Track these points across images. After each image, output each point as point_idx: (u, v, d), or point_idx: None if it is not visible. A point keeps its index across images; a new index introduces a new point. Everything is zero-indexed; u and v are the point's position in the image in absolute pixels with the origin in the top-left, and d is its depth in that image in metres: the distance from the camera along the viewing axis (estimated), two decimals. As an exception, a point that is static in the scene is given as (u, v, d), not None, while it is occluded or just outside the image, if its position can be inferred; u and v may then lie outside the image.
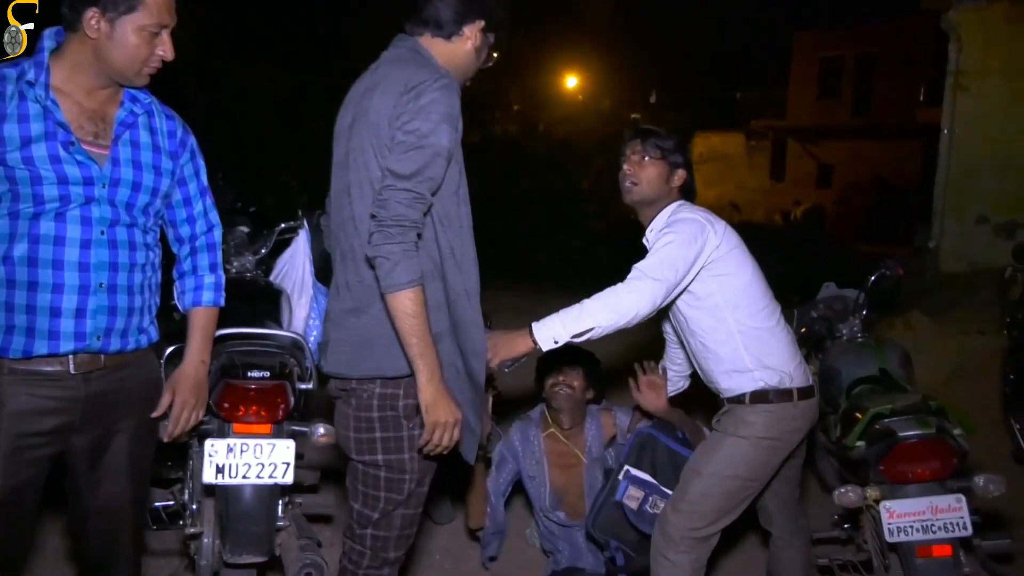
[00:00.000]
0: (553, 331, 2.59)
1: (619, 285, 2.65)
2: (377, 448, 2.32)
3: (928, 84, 18.78)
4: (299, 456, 2.82)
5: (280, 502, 2.88)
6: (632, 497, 3.10)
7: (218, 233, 2.51)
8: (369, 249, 2.15)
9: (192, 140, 2.41)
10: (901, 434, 2.78)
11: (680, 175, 2.91)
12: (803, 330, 3.78)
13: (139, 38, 2.11)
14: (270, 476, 2.72)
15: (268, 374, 2.86)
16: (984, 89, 8.61)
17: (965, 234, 8.67)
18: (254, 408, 2.78)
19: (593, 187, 13.94)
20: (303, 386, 3.03)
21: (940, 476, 2.77)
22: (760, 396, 2.75)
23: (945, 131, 8.93)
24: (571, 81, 21.25)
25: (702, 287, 2.76)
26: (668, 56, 24.87)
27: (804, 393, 2.79)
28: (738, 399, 2.79)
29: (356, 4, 13.84)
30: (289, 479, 2.75)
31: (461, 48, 2.37)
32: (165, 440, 2.46)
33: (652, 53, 23.53)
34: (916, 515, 2.71)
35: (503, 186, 12.84)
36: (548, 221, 12.90)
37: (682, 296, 2.78)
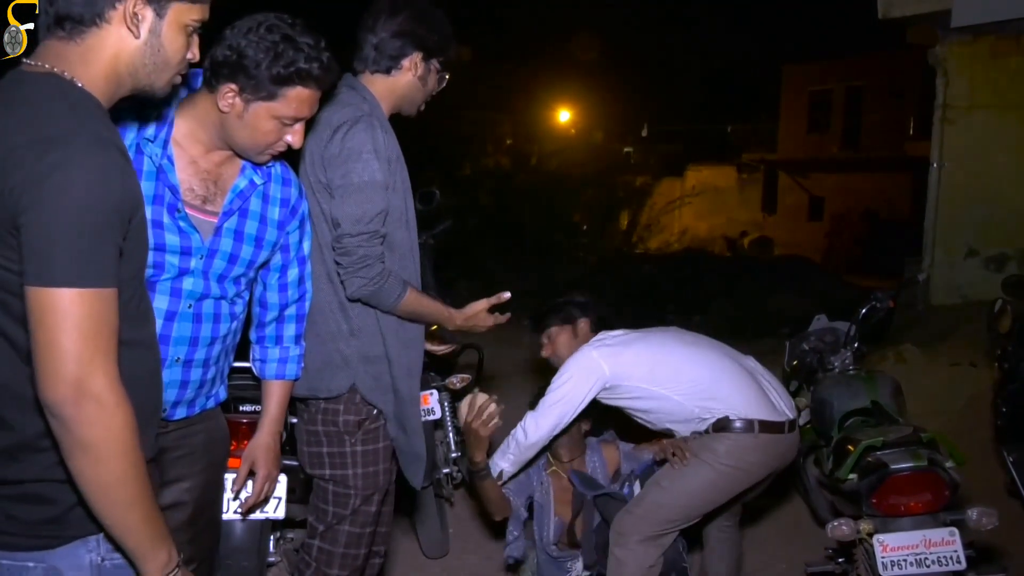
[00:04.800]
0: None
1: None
2: (325, 463, 2.48)
3: (917, 117, 18.94)
4: (291, 491, 2.81)
5: (271, 537, 2.87)
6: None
7: (308, 304, 2.40)
8: (352, 294, 2.36)
9: (304, 206, 2.29)
10: (893, 466, 2.78)
11: (581, 325, 3.32)
12: (795, 362, 3.79)
13: (270, 125, 2.01)
14: (261, 511, 2.71)
15: (259, 408, 2.84)
16: (972, 123, 8.68)
17: (955, 266, 8.71)
18: (245, 443, 2.77)
19: (584, 219, 13.99)
20: (294, 420, 3.01)
21: (932, 509, 2.77)
22: (721, 425, 2.99)
23: (934, 164, 8.99)
24: (564, 115, 21.42)
25: (618, 396, 3.15)
26: (660, 90, 25.10)
27: (767, 426, 2.98)
28: (704, 432, 3.03)
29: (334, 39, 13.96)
30: (280, 514, 2.74)
31: (402, 80, 2.49)
32: (241, 513, 2.53)
33: (644, 87, 23.75)
34: (909, 548, 2.70)
35: (494, 219, 12.87)
36: (539, 253, 12.94)
37: (613, 402, 3.18)
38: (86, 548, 1.47)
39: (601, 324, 3.35)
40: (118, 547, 1.44)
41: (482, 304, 2.56)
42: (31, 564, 1.45)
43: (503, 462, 3.18)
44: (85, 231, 1.32)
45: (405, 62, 2.46)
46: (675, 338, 3.30)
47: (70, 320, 1.31)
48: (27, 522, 1.44)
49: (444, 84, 2.59)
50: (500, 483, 3.20)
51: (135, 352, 1.43)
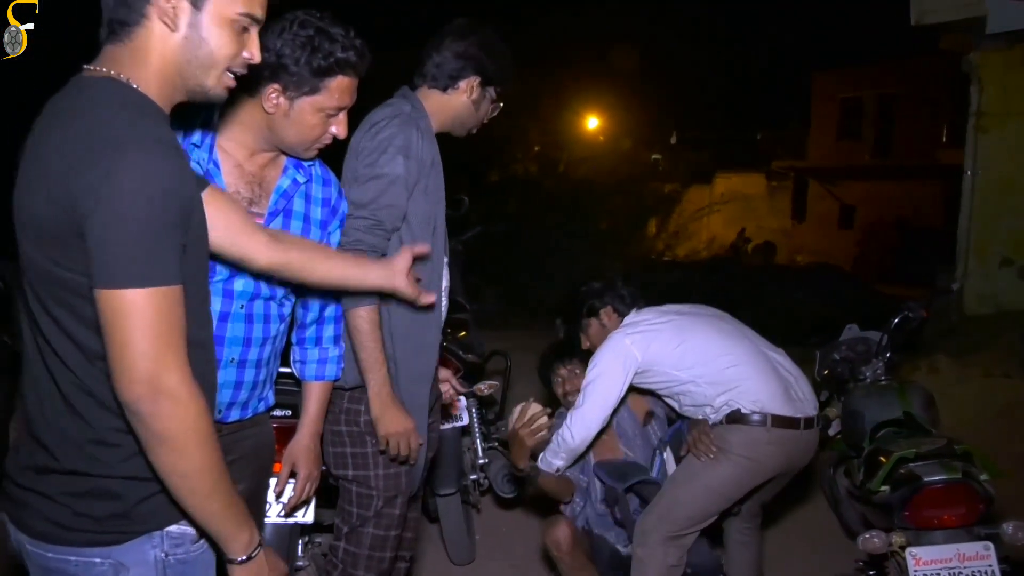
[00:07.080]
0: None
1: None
2: (348, 463, 2.50)
3: (950, 125, 18.74)
4: (318, 495, 2.81)
5: (300, 542, 2.87)
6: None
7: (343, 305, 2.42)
8: None
9: (343, 205, 2.34)
10: (926, 479, 2.75)
11: (604, 314, 3.37)
12: (825, 372, 3.76)
13: (316, 119, 2.07)
14: (290, 515, 2.72)
15: (289, 413, 2.86)
16: (1006, 131, 8.56)
17: (989, 276, 8.58)
18: (276, 447, 2.79)
19: (612, 227, 13.95)
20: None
21: (967, 522, 2.73)
22: (734, 417, 3.03)
23: (967, 172, 8.87)
24: (592, 122, 21.35)
25: (649, 380, 3.21)
26: (689, 97, 24.98)
27: (781, 421, 3.01)
28: (719, 423, 3.07)
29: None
30: (309, 519, 2.75)
31: (457, 100, 2.57)
32: (283, 514, 2.56)
33: (673, 94, 23.63)
34: (943, 562, 2.67)
35: (522, 225, 12.86)
36: (567, 260, 12.91)
37: (646, 385, 3.24)
38: (151, 543, 1.50)
39: (623, 302, 3.40)
40: (181, 543, 1.50)
41: (410, 426, 2.41)
42: (97, 560, 1.49)
43: (556, 460, 3.20)
44: (146, 231, 1.34)
45: (462, 84, 2.56)
46: (707, 324, 3.29)
47: (140, 319, 1.34)
48: (96, 518, 1.47)
49: (496, 113, 2.69)
50: (558, 476, 3.24)
51: (196, 352, 1.45)
